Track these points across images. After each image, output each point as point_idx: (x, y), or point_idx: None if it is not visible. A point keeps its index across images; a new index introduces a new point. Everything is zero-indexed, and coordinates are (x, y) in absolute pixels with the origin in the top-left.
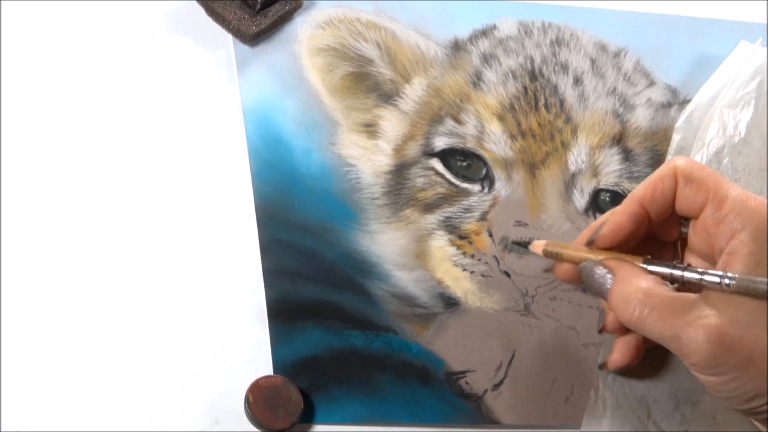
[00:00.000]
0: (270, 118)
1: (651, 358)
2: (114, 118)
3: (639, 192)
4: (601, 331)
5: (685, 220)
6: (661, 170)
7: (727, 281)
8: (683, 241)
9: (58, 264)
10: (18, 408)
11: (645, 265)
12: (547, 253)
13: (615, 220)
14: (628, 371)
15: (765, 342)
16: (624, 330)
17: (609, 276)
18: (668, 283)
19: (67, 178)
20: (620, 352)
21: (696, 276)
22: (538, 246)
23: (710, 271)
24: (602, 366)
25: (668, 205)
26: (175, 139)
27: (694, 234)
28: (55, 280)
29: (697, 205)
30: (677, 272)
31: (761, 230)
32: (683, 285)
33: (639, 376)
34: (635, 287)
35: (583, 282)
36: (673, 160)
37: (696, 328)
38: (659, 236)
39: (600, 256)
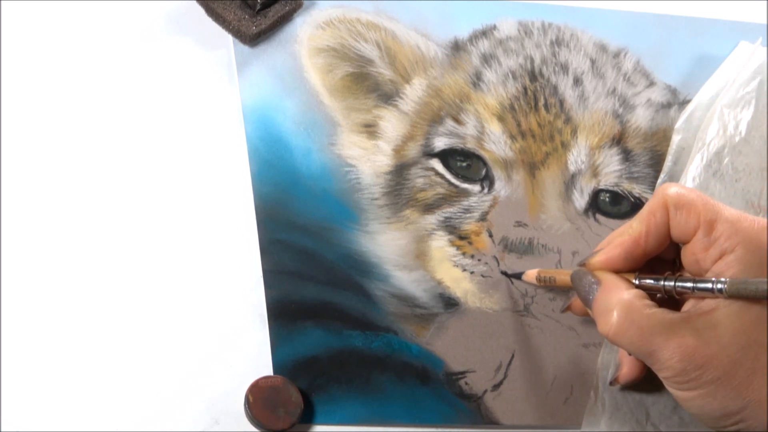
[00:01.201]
0: (270, 118)
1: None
2: (114, 118)
3: (634, 230)
4: (611, 383)
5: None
6: (651, 204)
7: (719, 286)
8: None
9: (58, 264)
10: (18, 408)
11: (636, 280)
12: (540, 280)
13: (609, 252)
14: (637, 384)
15: (737, 362)
16: (636, 380)
17: (595, 285)
18: (650, 299)
19: (67, 178)
20: (629, 366)
21: (689, 284)
22: (530, 275)
23: (702, 279)
24: (613, 382)
25: (664, 236)
26: (174, 140)
27: (684, 258)
28: (55, 281)
29: (690, 230)
30: (669, 283)
31: (753, 246)
32: (679, 297)
33: (645, 388)
34: (617, 298)
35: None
36: (663, 189)
37: (671, 345)
38: (661, 255)
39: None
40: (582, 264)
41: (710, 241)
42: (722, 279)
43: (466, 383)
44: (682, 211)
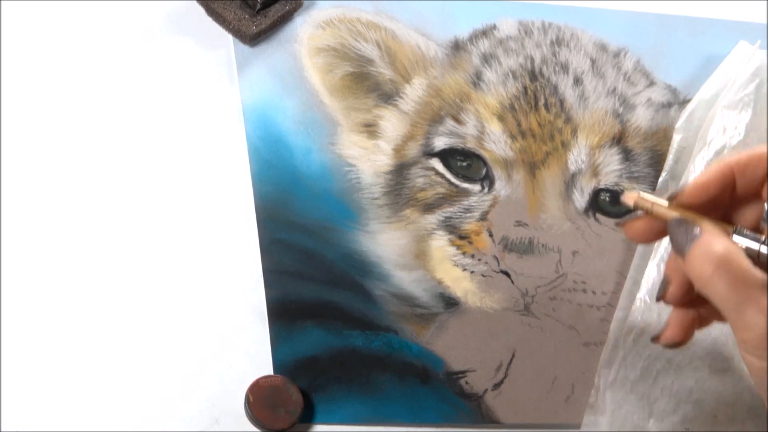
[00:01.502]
0: (270, 118)
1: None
2: (114, 118)
3: (734, 159)
4: (659, 299)
5: None
6: (763, 147)
7: None
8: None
9: (58, 264)
10: (18, 408)
11: (735, 234)
12: (638, 206)
13: (701, 179)
14: (678, 347)
15: None
16: (682, 303)
17: (693, 233)
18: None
19: (67, 178)
20: (673, 328)
21: None
22: (630, 197)
23: None
24: (654, 339)
25: (757, 183)
26: (175, 139)
27: None
28: (55, 280)
29: None
30: (764, 248)
31: None
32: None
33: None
34: (716, 248)
35: (669, 236)
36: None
37: (760, 305)
38: (735, 221)
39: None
40: (672, 197)
41: None
42: None
43: (467, 382)
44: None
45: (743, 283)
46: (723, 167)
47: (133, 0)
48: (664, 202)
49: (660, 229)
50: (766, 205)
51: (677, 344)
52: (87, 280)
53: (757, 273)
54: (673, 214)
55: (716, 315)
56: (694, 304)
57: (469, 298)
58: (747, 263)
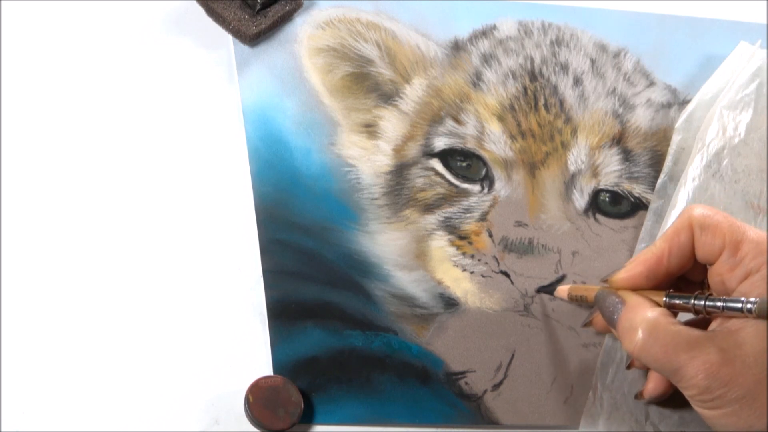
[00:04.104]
0: (270, 118)
1: None
2: (114, 118)
3: (657, 248)
4: (629, 367)
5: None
6: (676, 224)
7: (749, 306)
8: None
9: (58, 264)
10: (18, 408)
11: (666, 299)
12: (572, 298)
13: (632, 269)
14: (663, 400)
15: (762, 382)
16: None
17: (620, 305)
18: (675, 318)
19: (67, 178)
20: (655, 381)
21: (719, 303)
22: (562, 291)
23: (732, 298)
24: (638, 396)
25: (688, 257)
26: (175, 140)
27: (710, 278)
28: (55, 281)
29: (716, 251)
30: (699, 302)
31: None
32: (707, 316)
33: (679, 412)
34: (641, 317)
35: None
36: (688, 210)
37: (696, 363)
38: (687, 276)
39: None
40: (605, 281)
41: (736, 262)
42: (752, 299)
43: (466, 383)
44: (708, 232)
45: (674, 347)
46: (651, 259)
47: (133, 0)
48: (594, 287)
49: None
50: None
51: (661, 396)
52: (87, 280)
53: (685, 330)
54: (599, 289)
55: None
56: None
57: (468, 299)
58: (673, 325)
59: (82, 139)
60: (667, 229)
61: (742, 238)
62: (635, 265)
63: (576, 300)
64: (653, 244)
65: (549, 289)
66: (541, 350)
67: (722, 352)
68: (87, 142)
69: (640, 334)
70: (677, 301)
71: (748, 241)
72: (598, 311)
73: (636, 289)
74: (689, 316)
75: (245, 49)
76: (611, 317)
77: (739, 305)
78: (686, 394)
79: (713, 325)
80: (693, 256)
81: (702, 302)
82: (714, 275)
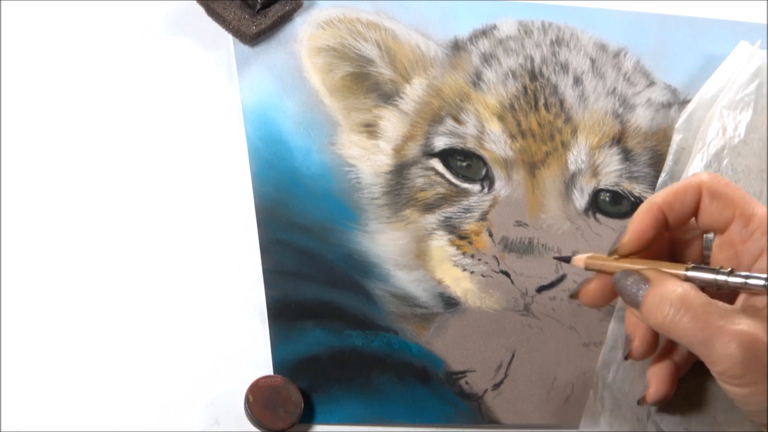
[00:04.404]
0: (270, 118)
1: (686, 389)
2: (114, 118)
3: (660, 198)
4: (626, 357)
5: (708, 241)
6: (687, 181)
7: None
8: (705, 260)
9: (58, 264)
10: (18, 408)
11: (688, 272)
12: (589, 267)
13: (635, 227)
14: (666, 403)
15: None
16: (649, 354)
17: (643, 284)
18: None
19: (67, 178)
20: (656, 385)
21: (740, 280)
22: (579, 261)
23: (755, 275)
24: (641, 402)
25: (687, 216)
26: (175, 140)
27: (720, 250)
28: (55, 280)
29: (723, 220)
30: (721, 277)
31: None
32: (729, 291)
33: (681, 411)
34: (670, 290)
35: (618, 293)
36: (698, 175)
37: (728, 334)
38: (681, 256)
39: (639, 267)
40: (613, 252)
41: (748, 233)
42: None
43: (467, 383)
44: (719, 200)
45: (706, 316)
46: (653, 211)
47: (133, 0)
48: (612, 260)
49: (613, 288)
50: (705, 236)
51: (664, 398)
52: (87, 280)
53: (718, 303)
54: (624, 266)
55: (691, 357)
56: (666, 355)
57: (469, 298)
58: (705, 297)
59: (81, 139)
60: (672, 185)
61: (753, 211)
62: (638, 223)
63: (594, 269)
64: (654, 195)
65: (566, 257)
66: (541, 349)
67: (755, 324)
68: (87, 142)
69: (669, 306)
70: (700, 274)
71: (759, 216)
72: (588, 283)
73: (642, 249)
74: None
75: (245, 48)
76: (634, 295)
77: (762, 282)
78: (714, 370)
79: (739, 302)
80: (689, 218)
81: (725, 277)
82: (725, 246)
